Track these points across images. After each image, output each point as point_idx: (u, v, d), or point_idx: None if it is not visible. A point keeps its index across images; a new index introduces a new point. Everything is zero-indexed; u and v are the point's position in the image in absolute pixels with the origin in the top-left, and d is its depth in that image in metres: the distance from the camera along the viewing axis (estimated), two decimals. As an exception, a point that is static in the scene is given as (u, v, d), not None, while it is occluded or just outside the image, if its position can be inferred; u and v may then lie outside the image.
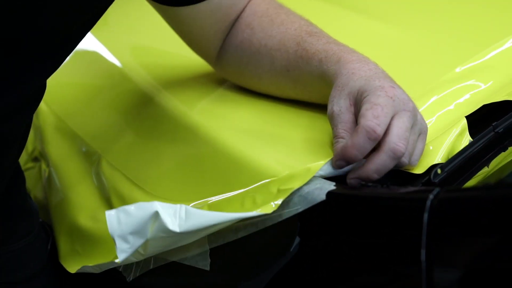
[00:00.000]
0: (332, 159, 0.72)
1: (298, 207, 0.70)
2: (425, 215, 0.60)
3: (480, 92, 0.84)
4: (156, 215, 0.67)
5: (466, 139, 0.76)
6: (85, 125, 0.99)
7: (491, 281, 0.57)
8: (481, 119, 0.80)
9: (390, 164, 0.69)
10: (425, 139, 0.74)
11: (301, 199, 0.70)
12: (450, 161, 0.73)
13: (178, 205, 0.68)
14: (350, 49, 0.78)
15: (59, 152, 0.98)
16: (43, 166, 1.01)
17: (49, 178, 0.97)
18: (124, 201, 0.85)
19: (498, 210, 0.58)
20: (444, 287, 0.59)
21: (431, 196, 0.60)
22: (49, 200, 0.97)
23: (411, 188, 0.70)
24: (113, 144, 0.93)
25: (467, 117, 0.78)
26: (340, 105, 0.73)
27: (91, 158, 0.93)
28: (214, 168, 0.80)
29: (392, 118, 0.70)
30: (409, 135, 0.70)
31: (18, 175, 0.90)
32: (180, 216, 0.68)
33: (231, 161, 0.78)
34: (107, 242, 0.86)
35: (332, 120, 0.74)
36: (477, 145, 0.75)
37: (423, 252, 0.59)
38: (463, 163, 0.74)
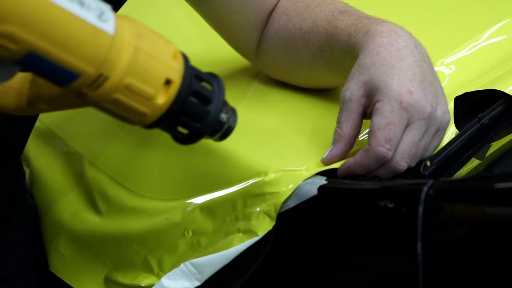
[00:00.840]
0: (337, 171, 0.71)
1: (289, 203, 0.69)
2: (420, 208, 0.59)
3: (460, 82, 0.85)
4: None
5: (452, 131, 0.77)
6: (64, 125, 0.97)
7: (488, 271, 0.57)
8: (467, 111, 0.81)
9: (386, 175, 0.69)
10: (443, 134, 0.72)
11: (292, 195, 0.69)
12: (439, 153, 0.73)
13: (181, 265, 0.72)
14: (382, 19, 0.73)
15: (39, 152, 0.96)
16: (24, 167, 0.99)
17: (31, 179, 0.95)
18: (109, 201, 0.84)
19: (493, 201, 0.58)
20: (441, 280, 0.59)
21: (425, 188, 0.60)
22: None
23: (402, 181, 0.70)
24: (95, 143, 0.91)
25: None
26: (352, 91, 0.70)
27: (72, 158, 0.92)
28: (202, 165, 0.79)
29: (403, 132, 0.68)
30: (419, 143, 0.69)
31: (19, 168, 0.90)
32: (191, 272, 0.71)
33: (220, 158, 0.77)
34: (92, 243, 0.85)
35: (341, 104, 0.71)
36: (464, 136, 0.76)
37: (419, 245, 0.59)
38: (451, 155, 0.74)
